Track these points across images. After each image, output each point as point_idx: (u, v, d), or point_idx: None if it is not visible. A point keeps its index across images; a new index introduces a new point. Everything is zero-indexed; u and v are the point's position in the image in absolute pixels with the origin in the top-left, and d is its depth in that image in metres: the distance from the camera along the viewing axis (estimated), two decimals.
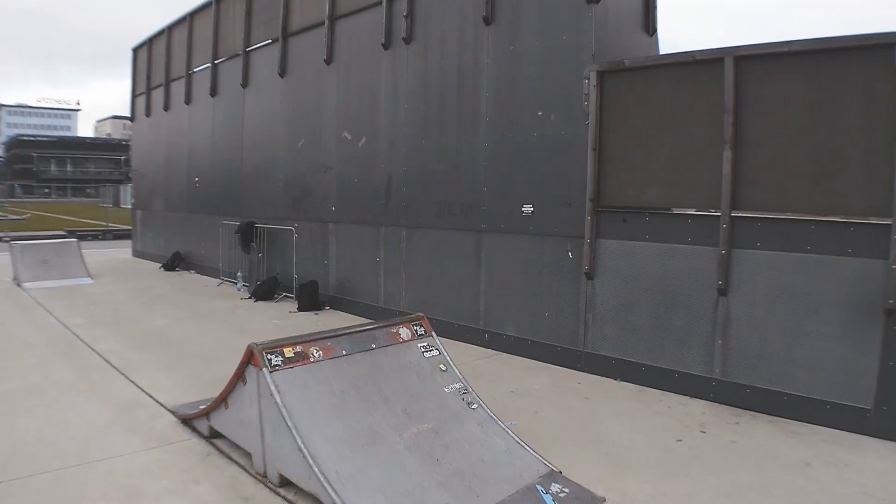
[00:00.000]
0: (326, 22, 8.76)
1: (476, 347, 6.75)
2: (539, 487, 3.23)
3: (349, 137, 8.50)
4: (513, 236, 6.51)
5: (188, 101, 12.89)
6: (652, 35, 6.80)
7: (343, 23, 8.62)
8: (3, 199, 47.30)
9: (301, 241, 9.31)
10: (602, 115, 5.62)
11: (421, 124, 7.51)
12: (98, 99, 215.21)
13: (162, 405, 4.54)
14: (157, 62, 14.48)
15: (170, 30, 13.76)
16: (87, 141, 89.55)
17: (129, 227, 20.62)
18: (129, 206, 18.69)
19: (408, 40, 7.54)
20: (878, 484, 3.58)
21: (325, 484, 2.82)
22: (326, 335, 3.58)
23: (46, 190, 79.42)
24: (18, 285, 10.41)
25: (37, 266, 10.89)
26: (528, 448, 3.55)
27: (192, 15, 12.70)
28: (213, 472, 3.47)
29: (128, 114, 16.53)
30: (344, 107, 8.64)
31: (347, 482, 2.86)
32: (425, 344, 4.10)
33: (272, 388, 3.00)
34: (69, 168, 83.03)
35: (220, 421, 3.57)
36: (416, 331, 4.15)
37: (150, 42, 14.82)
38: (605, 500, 3.28)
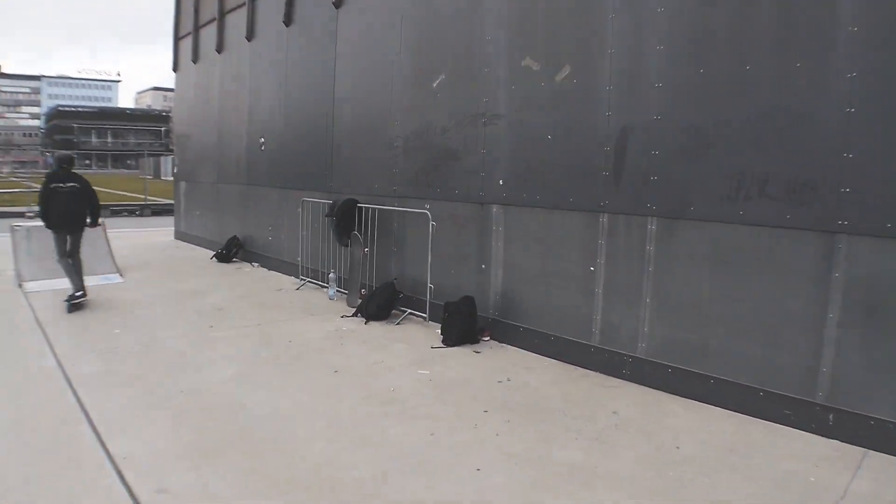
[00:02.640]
0: None
1: (808, 436, 3.69)
2: None
3: (536, 68, 5.19)
4: None
5: (250, 35, 9.72)
6: None
7: None
8: (44, 170, 45.62)
9: (438, 232, 6.08)
10: None
11: (690, 42, 4.17)
12: (136, 72, 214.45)
13: None
14: None
15: None
16: (128, 112, 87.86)
17: (171, 202, 17.83)
18: (172, 178, 15.99)
19: None
20: None
21: None
22: None
23: (87, 161, 78.22)
24: (20, 285, 7.45)
25: (46, 257, 7.77)
26: None
27: None
28: None
29: (169, 86, 13.49)
30: (520, 21, 5.32)
31: None
32: None
33: None
34: (109, 139, 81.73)
35: None
36: None
37: None
38: None
